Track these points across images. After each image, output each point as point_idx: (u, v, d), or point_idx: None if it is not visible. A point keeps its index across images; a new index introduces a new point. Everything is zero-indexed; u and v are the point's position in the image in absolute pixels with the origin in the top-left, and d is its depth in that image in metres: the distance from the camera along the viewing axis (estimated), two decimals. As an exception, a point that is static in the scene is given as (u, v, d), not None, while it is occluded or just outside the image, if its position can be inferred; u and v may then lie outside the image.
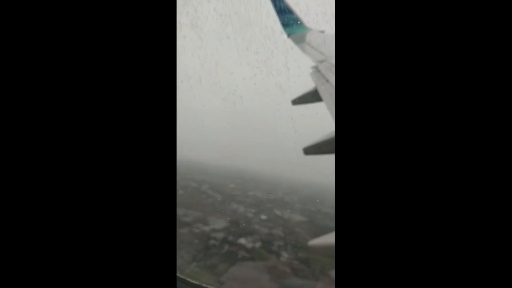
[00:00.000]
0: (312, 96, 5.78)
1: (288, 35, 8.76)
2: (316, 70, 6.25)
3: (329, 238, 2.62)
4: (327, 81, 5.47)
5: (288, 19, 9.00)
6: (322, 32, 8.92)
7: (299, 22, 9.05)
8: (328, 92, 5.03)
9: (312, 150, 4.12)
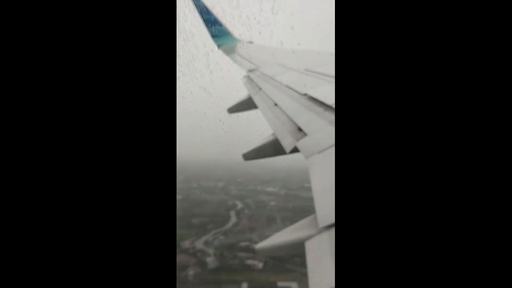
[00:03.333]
0: (247, 104, 5.88)
1: (218, 46, 8.85)
2: (249, 79, 6.38)
3: (274, 239, 2.66)
4: (260, 89, 5.62)
5: (217, 30, 9.10)
6: (251, 43, 9.17)
7: (228, 34, 9.19)
8: (262, 99, 5.15)
9: (251, 155, 4.19)
